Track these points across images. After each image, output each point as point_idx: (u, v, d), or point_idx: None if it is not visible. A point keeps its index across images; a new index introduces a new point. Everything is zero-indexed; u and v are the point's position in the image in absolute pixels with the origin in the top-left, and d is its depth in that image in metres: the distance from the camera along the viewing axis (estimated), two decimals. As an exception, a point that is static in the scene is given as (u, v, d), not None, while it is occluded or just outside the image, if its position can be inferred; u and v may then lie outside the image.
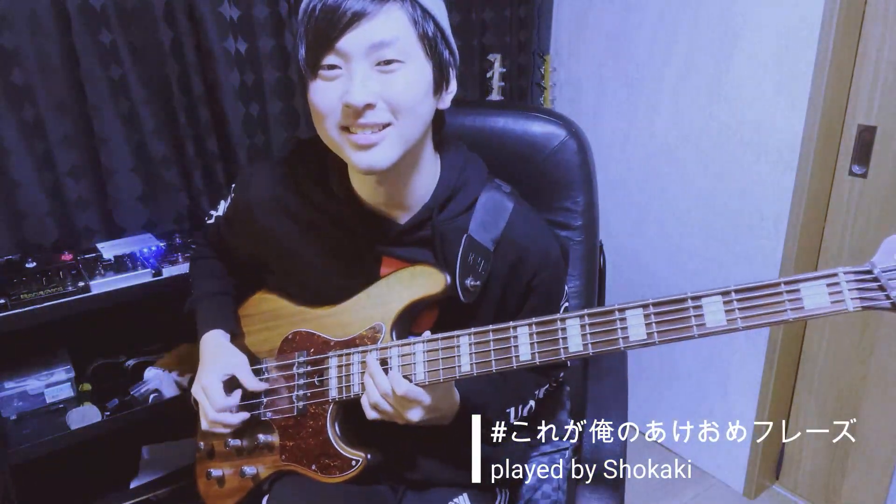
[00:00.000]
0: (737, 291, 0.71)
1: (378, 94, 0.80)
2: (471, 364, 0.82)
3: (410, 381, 0.85)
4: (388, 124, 0.82)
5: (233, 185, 1.06)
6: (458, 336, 0.84)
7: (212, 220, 1.13)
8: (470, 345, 0.83)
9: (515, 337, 0.81)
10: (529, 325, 0.80)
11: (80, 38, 1.43)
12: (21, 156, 1.44)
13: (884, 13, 1.51)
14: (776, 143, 1.67)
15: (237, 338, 1.06)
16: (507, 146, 1.17)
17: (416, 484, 1.03)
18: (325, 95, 0.82)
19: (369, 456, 0.93)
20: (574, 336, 0.78)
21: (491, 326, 0.82)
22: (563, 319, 0.79)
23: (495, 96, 2.04)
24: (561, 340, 0.78)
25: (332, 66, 0.80)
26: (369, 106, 0.79)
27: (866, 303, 0.67)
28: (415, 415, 0.85)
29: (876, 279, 0.67)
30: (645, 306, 0.74)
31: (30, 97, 1.42)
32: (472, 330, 0.83)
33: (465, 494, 1.00)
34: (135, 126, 1.55)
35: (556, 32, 2.21)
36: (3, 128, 1.40)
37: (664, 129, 1.93)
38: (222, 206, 1.10)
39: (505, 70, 2.05)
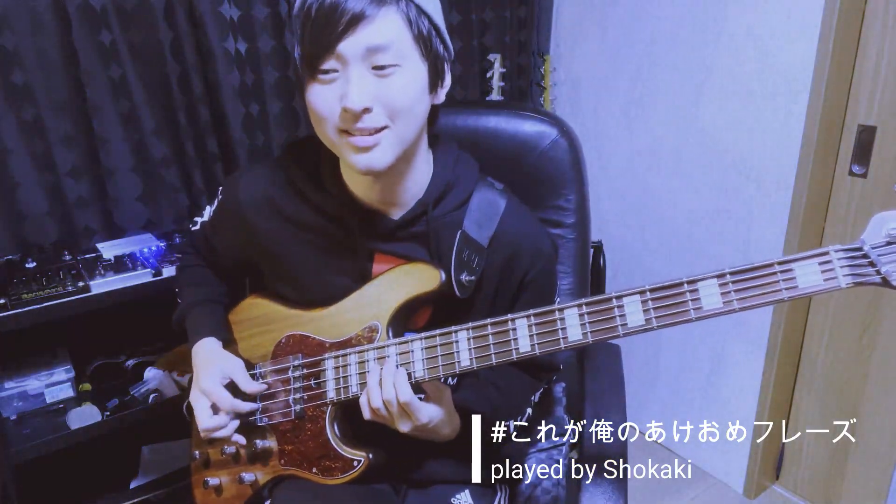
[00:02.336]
0: (732, 273, 0.72)
1: (375, 97, 0.80)
2: (470, 358, 0.83)
3: (410, 377, 0.85)
4: (385, 127, 0.82)
5: (220, 189, 1.04)
6: (455, 331, 0.84)
7: (197, 227, 1.11)
8: (468, 339, 0.83)
9: (514, 329, 0.81)
10: (528, 316, 0.81)
11: (80, 38, 1.43)
12: (21, 156, 1.44)
13: (884, 13, 1.51)
14: (776, 143, 1.67)
15: (229, 344, 1.04)
16: (499, 145, 1.18)
17: (418, 482, 1.03)
18: (323, 98, 0.82)
19: (371, 455, 0.92)
20: (573, 326, 0.78)
21: (489, 320, 0.82)
22: (561, 309, 0.79)
23: (495, 96, 2.04)
24: (560, 331, 0.79)
25: (329, 70, 0.81)
26: (367, 110, 0.80)
27: (858, 279, 0.69)
28: (405, 426, 0.86)
29: (866, 255, 0.68)
30: (642, 292, 0.75)
31: (30, 97, 1.42)
32: (471, 324, 0.83)
33: (466, 491, 1.00)
34: (135, 126, 1.55)
35: (556, 32, 2.21)
36: (3, 128, 1.40)
37: (664, 128, 1.93)
38: (208, 212, 1.08)
39: (505, 70, 2.05)
